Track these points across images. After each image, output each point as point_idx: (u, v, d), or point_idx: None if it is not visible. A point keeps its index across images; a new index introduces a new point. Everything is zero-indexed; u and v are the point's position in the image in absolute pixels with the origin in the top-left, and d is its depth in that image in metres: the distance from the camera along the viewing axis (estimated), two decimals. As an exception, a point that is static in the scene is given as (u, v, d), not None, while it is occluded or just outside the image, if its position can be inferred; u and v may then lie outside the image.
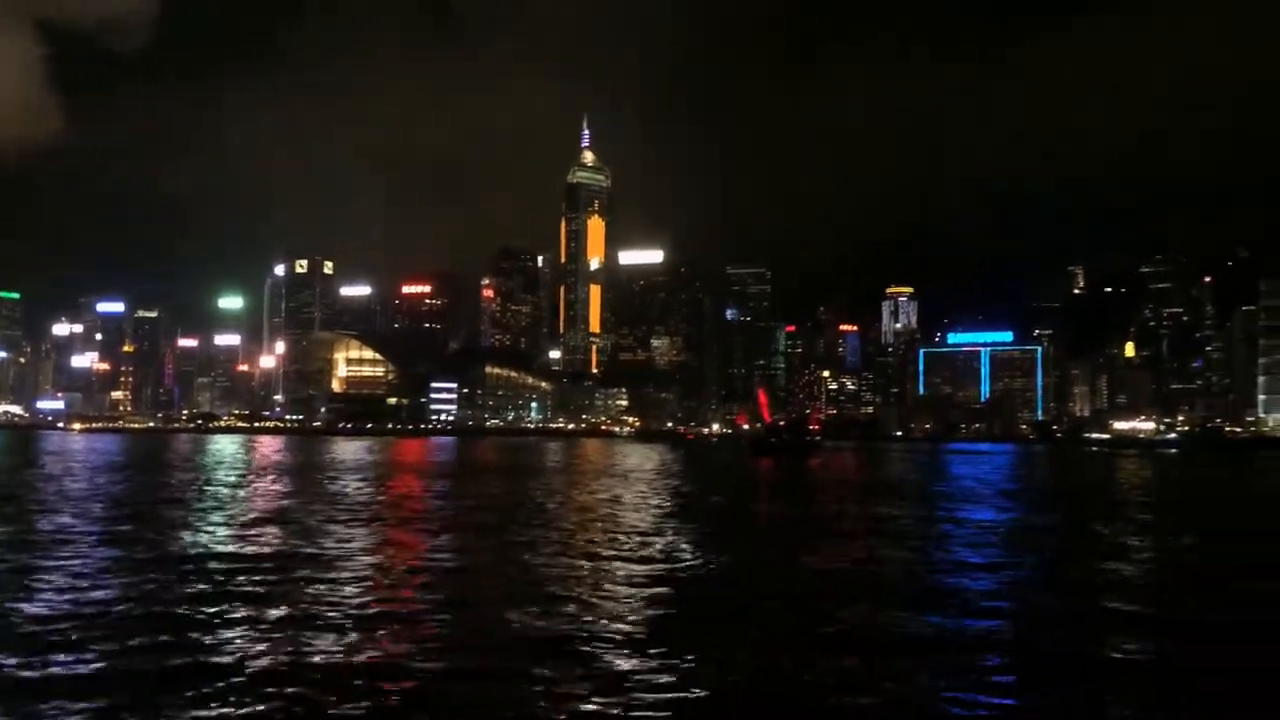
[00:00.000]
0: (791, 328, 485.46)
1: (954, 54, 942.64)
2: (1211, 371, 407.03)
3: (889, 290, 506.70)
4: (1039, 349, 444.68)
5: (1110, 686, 17.87)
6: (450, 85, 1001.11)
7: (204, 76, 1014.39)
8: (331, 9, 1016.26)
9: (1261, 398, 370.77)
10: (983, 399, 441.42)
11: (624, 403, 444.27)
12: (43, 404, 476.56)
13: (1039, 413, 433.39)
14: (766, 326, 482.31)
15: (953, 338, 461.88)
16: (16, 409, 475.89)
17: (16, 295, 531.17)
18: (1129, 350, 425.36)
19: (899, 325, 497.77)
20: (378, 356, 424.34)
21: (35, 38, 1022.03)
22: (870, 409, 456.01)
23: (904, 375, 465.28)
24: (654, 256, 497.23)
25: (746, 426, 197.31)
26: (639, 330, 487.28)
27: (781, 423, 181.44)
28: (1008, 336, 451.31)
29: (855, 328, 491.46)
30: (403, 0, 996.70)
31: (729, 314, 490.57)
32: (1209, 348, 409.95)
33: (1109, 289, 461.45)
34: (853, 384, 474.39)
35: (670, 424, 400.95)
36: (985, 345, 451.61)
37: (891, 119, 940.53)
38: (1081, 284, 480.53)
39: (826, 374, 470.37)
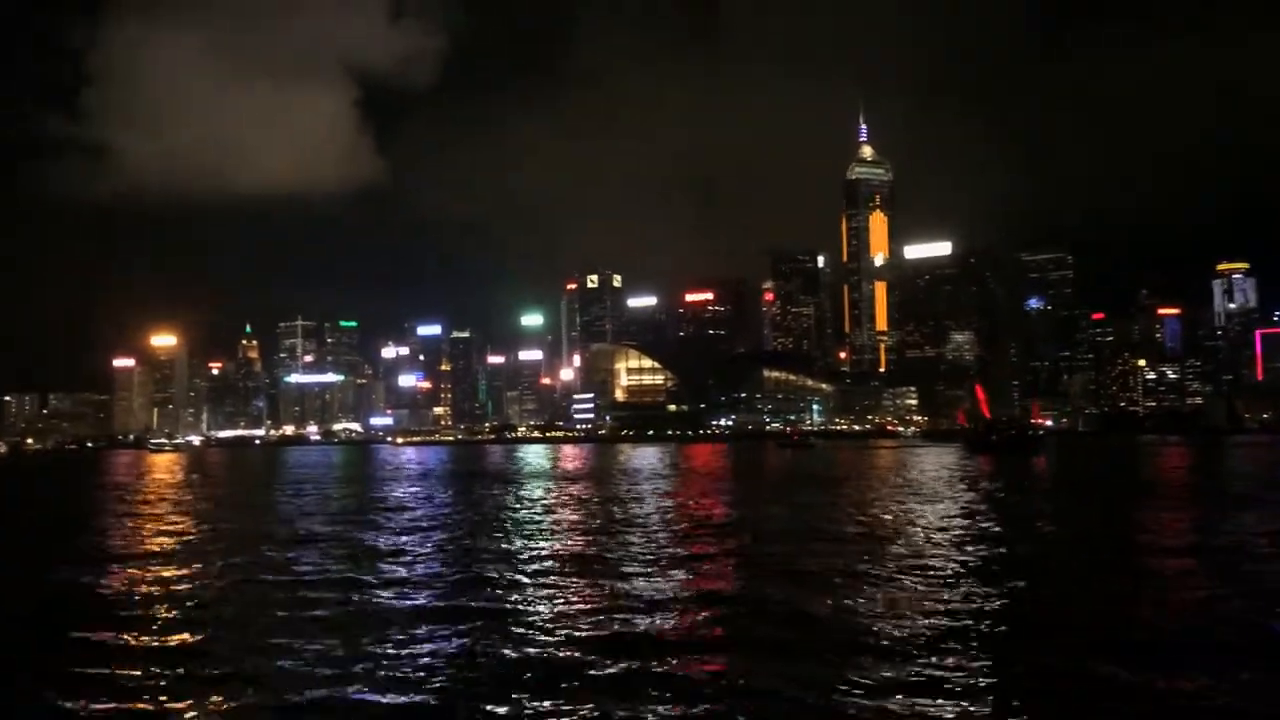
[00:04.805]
0: (1099, 315, 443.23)
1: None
2: None
3: (1220, 268, 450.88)
4: None
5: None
6: (721, 93, 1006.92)
7: (489, 105, 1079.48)
8: (605, 31, 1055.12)
9: None
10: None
11: (913, 401, 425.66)
12: (375, 420, 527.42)
13: None
14: (1070, 315, 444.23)
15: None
16: (355, 426, 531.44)
17: (355, 324, 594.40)
18: None
19: (1232, 305, 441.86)
20: (657, 365, 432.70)
21: (348, 83, 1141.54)
22: (1197, 399, 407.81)
23: (1238, 361, 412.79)
24: (941, 249, 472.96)
25: (964, 423, 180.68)
26: (926, 326, 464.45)
27: (1003, 419, 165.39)
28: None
29: (1177, 310, 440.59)
30: (671, 18, 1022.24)
31: (1030, 304, 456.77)
32: None
33: None
34: (1173, 373, 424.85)
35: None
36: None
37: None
38: None
39: (1143, 363, 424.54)
